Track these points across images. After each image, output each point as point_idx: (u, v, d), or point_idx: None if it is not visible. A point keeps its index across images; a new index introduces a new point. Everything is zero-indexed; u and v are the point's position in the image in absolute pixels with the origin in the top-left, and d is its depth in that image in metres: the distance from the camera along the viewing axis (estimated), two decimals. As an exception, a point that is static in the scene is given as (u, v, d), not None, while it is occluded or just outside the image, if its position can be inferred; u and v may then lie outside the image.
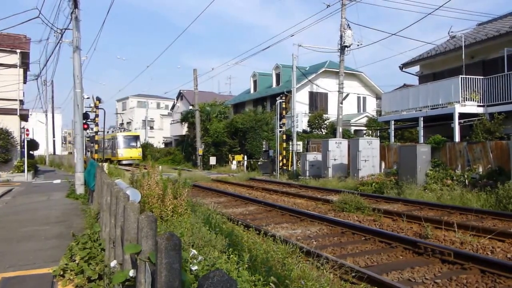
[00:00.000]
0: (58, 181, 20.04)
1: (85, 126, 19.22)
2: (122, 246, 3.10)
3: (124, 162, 39.27)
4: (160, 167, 20.24)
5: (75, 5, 13.60)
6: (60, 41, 16.82)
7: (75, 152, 14.76)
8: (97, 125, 27.68)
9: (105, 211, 5.03)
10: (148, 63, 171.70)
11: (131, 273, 2.63)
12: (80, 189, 13.26)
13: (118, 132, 44.79)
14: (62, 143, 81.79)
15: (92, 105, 27.74)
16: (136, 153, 41.86)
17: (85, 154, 24.40)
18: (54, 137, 47.52)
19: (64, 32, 15.53)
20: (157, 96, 70.25)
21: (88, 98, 27.36)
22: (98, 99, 27.52)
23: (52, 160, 43.52)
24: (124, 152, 41.61)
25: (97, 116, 27.64)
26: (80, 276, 4.44)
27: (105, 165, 20.11)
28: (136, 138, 43.93)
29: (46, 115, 42.59)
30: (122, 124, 70.29)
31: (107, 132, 48.96)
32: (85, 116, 17.55)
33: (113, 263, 3.33)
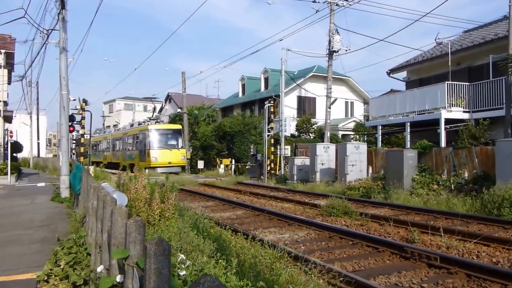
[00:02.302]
0: (43, 184, 19.74)
1: (71, 129, 19.01)
2: (109, 251, 3.05)
3: (160, 169, 27.23)
4: (148, 170, 20.13)
5: (62, 5, 13.44)
6: (46, 42, 16.68)
7: (60, 155, 14.55)
8: (83, 127, 27.36)
9: (92, 215, 4.96)
10: (136, 65, 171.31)
11: (119, 278, 2.60)
12: (65, 193, 13.08)
13: (148, 123, 31.77)
14: (47, 145, 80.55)
15: (78, 107, 27.45)
16: (179, 156, 29.26)
17: (71, 156, 24.13)
18: (38, 139, 46.76)
19: (51, 33, 15.44)
20: (145, 98, 69.60)
21: (74, 100, 27.14)
22: (85, 101, 27.25)
23: (36, 163, 42.85)
24: (161, 155, 28.72)
25: (83, 118, 27.32)
26: (65, 281, 4.35)
27: (91, 168, 19.86)
28: (177, 133, 30.70)
29: (31, 116, 41.99)
30: (108, 127, 69.14)
31: (123, 127, 40.90)
32: (71, 118, 17.36)
33: (99, 268, 3.28)
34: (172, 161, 28.75)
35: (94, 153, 45.84)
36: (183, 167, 30.77)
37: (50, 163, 35.62)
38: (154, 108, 37.40)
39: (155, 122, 32.16)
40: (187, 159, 31.62)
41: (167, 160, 28.60)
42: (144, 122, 33.54)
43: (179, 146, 30.11)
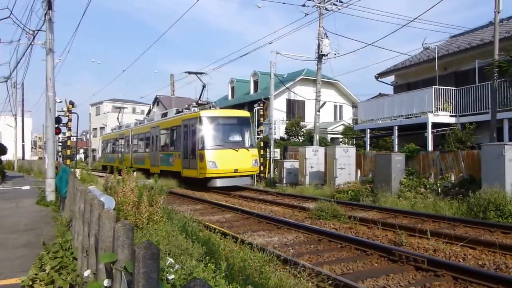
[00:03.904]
0: (27, 187, 19.43)
1: (57, 131, 18.77)
2: (96, 255, 3.01)
3: (221, 181, 18.04)
4: (135, 173, 19.93)
5: (49, 6, 13.28)
6: (32, 43, 16.37)
7: (46, 157, 14.37)
8: (69, 129, 27.06)
9: (78, 219, 4.90)
10: (124, 67, 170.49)
11: (106, 283, 2.56)
12: (51, 196, 12.88)
13: (194, 109, 20.81)
14: (32, 147, 79.48)
15: (65, 109, 27.12)
16: (249, 159, 18.82)
17: (57, 159, 23.82)
18: (23, 141, 46.07)
19: (37, 33, 15.17)
20: (133, 100, 69.33)
21: (60, 102, 26.69)
22: (71, 103, 26.89)
23: (21, 166, 42.17)
24: (222, 159, 18.08)
25: (70, 120, 27.00)
26: (50, 286, 4.27)
27: (78, 171, 19.62)
28: (245, 123, 19.92)
29: (16, 118, 41.40)
30: (95, 129, 68.32)
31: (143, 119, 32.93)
32: (58, 120, 17.16)
33: (86, 273, 3.24)
34: (240, 168, 18.12)
35: (105, 155, 38.17)
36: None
37: (36, 166, 35.05)
38: (204, 87, 22.04)
39: (204, 106, 21.18)
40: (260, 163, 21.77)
41: (232, 166, 17.92)
42: (186, 109, 21.81)
43: (248, 144, 19.17)
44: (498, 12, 14.70)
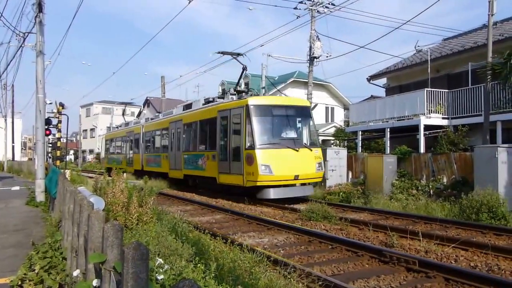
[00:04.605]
0: (17, 188, 19.32)
1: (47, 132, 18.68)
2: (85, 255, 3.04)
3: (277, 192, 13.82)
4: (125, 174, 19.82)
5: (40, 9, 13.43)
6: (23, 45, 16.47)
7: (36, 158, 14.41)
8: (59, 131, 26.89)
9: (68, 219, 4.91)
10: (115, 69, 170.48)
11: (95, 282, 2.57)
12: (40, 197, 12.89)
13: (233, 96, 16.89)
14: (22, 148, 79.34)
15: (55, 110, 26.94)
16: (312, 162, 14.40)
17: (47, 160, 23.64)
18: (13, 142, 45.68)
19: (27, 36, 15.28)
20: (123, 102, 69.29)
21: (50, 103, 26.52)
22: (61, 104, 26.69)
23: (10, 166, 41.82)
24: (278, 162, 13.65)
25: (60, 122, 26.83)
26: (39, 286, 4.27)
27: (68, 172, 19.51)
28: (306, 115, 15.61)
29: (6, 120, 41.08)
30: (85, 130, 67.98)
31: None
32: (48, 121, 17.12)
33: (75, 273, 3.25)
34: (302, 174, 13.87)
35: (109, 156, 33.88)
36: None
37: (25, 167, 34.82)
38: (244, 70, 18.14)
39: (245, 93, 16.72)
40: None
41: (291, 171, 13.70)
42: (219, 98, 18.16)
43: (310, 142, 15.01)
44: (492, 15, 14.76)
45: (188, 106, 20.34)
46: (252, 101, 14.26)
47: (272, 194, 13.58)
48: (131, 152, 27.70)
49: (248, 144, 13.80)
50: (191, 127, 18.72)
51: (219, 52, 18.49)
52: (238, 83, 18.20)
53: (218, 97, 18.22)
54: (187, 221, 8.66)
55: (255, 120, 13.87)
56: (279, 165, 13.47)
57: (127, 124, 31.05)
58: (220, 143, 15.61)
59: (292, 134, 14.71)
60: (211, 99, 18.38)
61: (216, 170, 15.56)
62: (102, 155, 35.27)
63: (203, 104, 18.33)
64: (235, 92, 17.03)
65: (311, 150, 14.45)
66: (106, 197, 6.88)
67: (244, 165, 13.77)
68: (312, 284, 5.31)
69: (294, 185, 14.23)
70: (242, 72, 18.14)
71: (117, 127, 34.47)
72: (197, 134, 17.98)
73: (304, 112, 15.39)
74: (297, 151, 13.98)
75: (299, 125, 15.16)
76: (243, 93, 16.66)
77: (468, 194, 11.03)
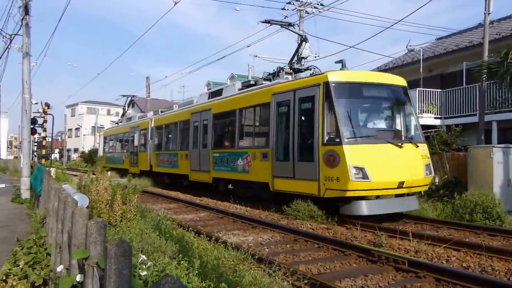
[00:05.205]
0: (3, 185, 19.23)
1: (33, 131, 18.64)
2: (69, 251, 3.07)
3: (376, 206, 9.86)
4: (109, 173, 19.67)
5: (26, 11, 13.65)
6: (9, 47, 16.70)
7: (21, 157, 14.66)
8: (45, 130, 26.71)
9: (52, 216, 4.93)
10: (100, 70, 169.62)
11: (78, 278, 2.62)
12: (26, 194, 13.05)
13: (287, 75, 13.48)
14: (8, 147, 79.20)
15: (41, 110, 26.75)
16: (419, 163, 10.18)
17: (32, 159, 23.40)
18: (-1, 141, 45.14)
19: (14, 37, 15.47)
20: (108, 102, 69.48)
21: (36, 103, 26.51)
22: (47, 104, 26.54)
23: (-4, 164, 41.32)
24: (377, 163, 9.51)
25: (45, 121, 26.67)
26: (24, 281, 4.32)
27: (53, 170, 19.35)
28: (403, 97, 11.31)
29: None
30: (70, 130, 67.56)
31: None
32: (33, 121, 17.12)
33: (59, 268, 3.28)
34: (408, 180, 9.86)
35: (108, 154, 30.27)
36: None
37: (11, 165, 34.62)
38: (302, 41, 15.73)
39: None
40: None
41: (395, 177, 9.74)
42: (265, 79, 14.38)
43: (413, 134, 11.22)
44: (489, 14, 14.62)
45: (216, 93, 16.56)
46: (334, 76, 10.30)
47: (366, 208, 9.52)
48: (135, 150, 24.05)
49: (327, 138, 10.01)
50: (225, 118, 15.11)
51: (265, 21, 15.34)
52: (291, 61, 14.21)
53: (264, 79, 14.41)
54: (171, 219, 8.67)
55: (340, 104, 10.09)
56: (378, 167, 9.54)
57: (129, 118, 27.73)
58: (276, 137, 11.78)
59: (390, 124, 11.18)
60: (252, 82, 14.96)
61: (269, 173, 11.83)
62: (100, 153, 31.90)
63: (240, 89, 14.86)
64: (291, 71, 13.51)
65: (417, 147, 10.43)
66: (90, 195, 6.89)
67: (322, 167, 9.94)
68: (298, 282, 5.28)
69: (397, 195, 10.10)
70: (300, 45, 14.73)
71: (116, 123, 31.43)
72: (236, 126, 14.00)
73: (401, 94, 11.41)
74: (401, 147, 10.01)
75: (397, 111, 11.27)
76: (305, 70, 13.79)
77: (461, 194, 10.67)
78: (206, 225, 10.03)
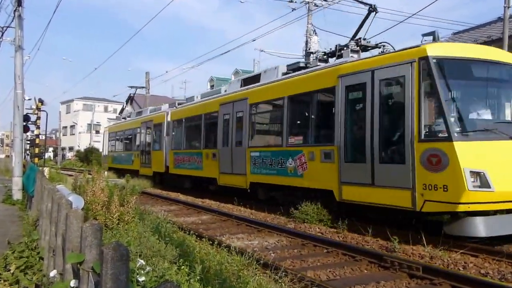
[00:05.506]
0: (-7, 185, 18.90)
1: (26, 129, 18.37)
2: (63, 255, 3.01)
3: (490, 225, 7.13)
4: (106, 172, 19.40)
5: (19, 3, 13.33)
6: (1, 39, 16.49)
7: (13, 156, 14.42)
8: (38, 128, 26.46)
9: (45, 218, 4.85)
10: (97, 64, 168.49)
11: (73, 283, 2.59)
12: (17, 195, 12.79)
13: (353, 53, 10.81)
14: (-1, 145, 78.21)
15: (34, 107, 26.55)
16: None
17: (25, 157, 23.18)
18: (-10, 139, 44.86)
19: (6, 30, 15.22)
20: (105, 99, 68.60)
21: (29, 99, 26.26)
22: (41, 101, 26.31)
23: (-13, 164, 41.01)
24: (499, 166, 7.11)
25: (38, 118, 26.42)
26: (15, 286, 4.21)
27: (46, 169, 19.11)
28: None
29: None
30: (65, 127, 66.91)
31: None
32: (26, 118, 16.80)
33: (52, 273, 3.23)
34: None
35: (114, 154, 27.72)
36: None
37: (2, 164, 34.33)
38: (371, 12, 11.54)
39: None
40: None
41: None
42: (320, 60, 11.93)
43: None
44: (508, 7, 14.32)
45: (252, 79, 14.01)
46: (436, 50, 7.91)
47: (484, 228, 7.16)
48: (148, 149, 21.30)
49: (426, 132, 7.76)
50: (267, 109, 13.14)
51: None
52: (355, 36, 11.45)
53: (320, 60, 11.96)
54: (171, 222, 8.43)
55: (445, 86, 7.78)
56: (502, 172, 7.23)
57: (139, 112, 24.96)
58: (344, 131, 9.36)
59: (505, 114, 8.71)
60: (302, 65, 12.46)
61: (334, 179, 9.52)
62: (105, 152, 29.42)
63: (284, 73, 12.39)
64: (357, 48, 11.14)
65: None
66: (86, 196, 6.72)
67: (418, 171, 7.62)
68: (305, 289, 5.08)
69: None
70: (367, 16, 11.61)
71: (123, 118, 28.97)
72: (284, 118, 11.48)
73: None
74: None
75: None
76: (371, 48, 11.38)
77: None
78: (208, 229, 9.74)
